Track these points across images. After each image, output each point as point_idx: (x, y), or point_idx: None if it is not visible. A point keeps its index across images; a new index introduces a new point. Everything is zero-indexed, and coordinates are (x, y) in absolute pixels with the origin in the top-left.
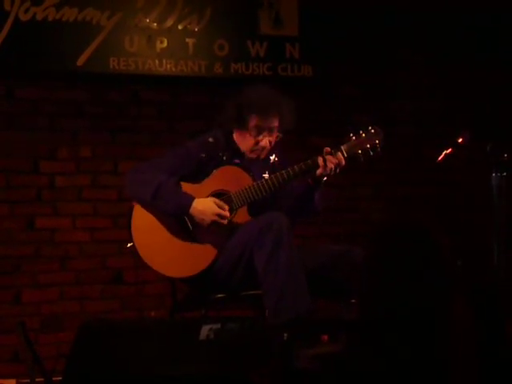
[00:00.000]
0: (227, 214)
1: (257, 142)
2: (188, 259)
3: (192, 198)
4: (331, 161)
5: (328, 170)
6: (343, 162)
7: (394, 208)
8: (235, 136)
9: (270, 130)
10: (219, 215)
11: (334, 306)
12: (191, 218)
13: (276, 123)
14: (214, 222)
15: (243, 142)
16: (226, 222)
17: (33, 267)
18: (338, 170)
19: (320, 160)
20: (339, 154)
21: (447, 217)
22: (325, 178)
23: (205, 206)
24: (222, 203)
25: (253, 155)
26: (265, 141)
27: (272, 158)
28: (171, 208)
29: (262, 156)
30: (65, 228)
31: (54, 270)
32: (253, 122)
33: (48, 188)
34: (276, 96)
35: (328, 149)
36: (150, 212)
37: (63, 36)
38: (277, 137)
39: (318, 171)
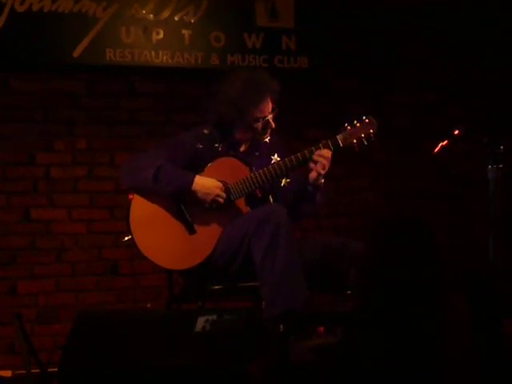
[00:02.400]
0: (224, 194)
1: (264, 127)
2: (187, 251)
3: (193, 175)
4: (322, 155)
5: (319, 167)
6: (329, 156)
7: (392, 201)
8: (236, 129)
9: (270, 113)
10: (221, 189)
11: (330, 298)
12: (193, 196)
13: (271, 104)
14: (216, 197)
15: (248, 133)
16: (222, 200)
17: (29, 259)
18: (326, 168)
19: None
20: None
21: (443, 209)
22: (322, 180)
23: (207, 181)
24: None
25: (263, 138)
26: (271, 123)
27: (274, 157)
28: (173, 187)
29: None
30: (61, 219)
31: (50, 262)
32: (252, 114)
33: (44, 180)
34: (263, 79)
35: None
36: (148, 203)
37: (59, 27)
38: (274, 112)
39: (311, 175)
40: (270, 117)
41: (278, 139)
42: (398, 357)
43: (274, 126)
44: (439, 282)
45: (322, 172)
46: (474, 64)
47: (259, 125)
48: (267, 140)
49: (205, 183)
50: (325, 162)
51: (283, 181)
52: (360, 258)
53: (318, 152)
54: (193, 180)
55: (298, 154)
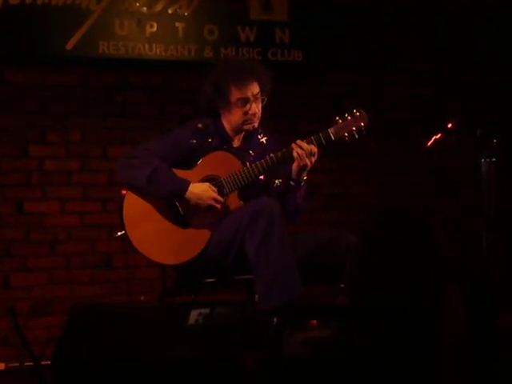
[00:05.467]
0: (221, 199)
1: (246, 112)
2: (181, 245)
3: (188, 182)
4: (302, 147)
5: (301, 162)
6: (315, 150)
7: (385, 193)
8: (223, 118)
9: (255, 98)
10: (215, 199)
11: (324, 291)
12: (186, 202)
13: (257, 89)
14: (209, 206)
15: (232, 118)
16: (220, 206)
17: (22, 251)
18: (312, 161)
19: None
20: (311, 145)
21: (436, 202)
22: (305, 177)
23: (201, 189)
24: (215, 189)
25: (248, 127)
26: (253, 108)
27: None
28: (167, 192)
29: (256, 125)
30: (54, 212)
31: (44, 255)
32: (234, 95)
33: (37, 172)
34: (248, 63)
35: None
36: (141, 199)
37: (52, 20)
38: (262, 101)
39: (294, 165)
40: (254, 101)
41: (274, 140)
42: (392, 351)
43: (258, 112)
44: (435, 275)
45: (302, 164)
46: (469, 58)
47: (241, 108)
48: (263, 140)
49: (198, 192)
50: (306, 160)
51: (276, 181)
52: (354, 251)
53: (298, 143)
54: (187, 188)
55: (290, 147)
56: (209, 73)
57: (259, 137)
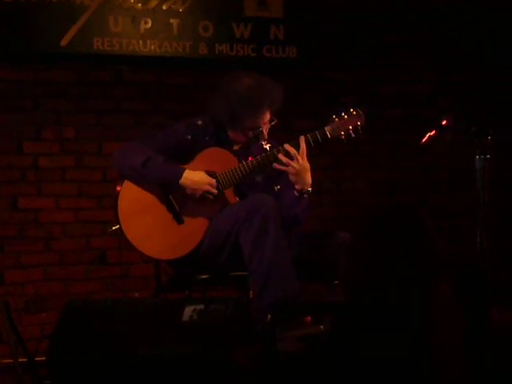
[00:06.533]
0: (216, 185)
1: (255, 136)
2: (175, 241)
3: (183, 169)
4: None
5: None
6: (304, 146)
7: (379, 190)
8: (229, 129)
9: (265, 124)
10: (211, 185)
11: (318, 288)
12: (181, 191)
13: (268, 116)
14: (205, 193)
15: (238, 137)
16: (215, 192)
17: (16, 248)
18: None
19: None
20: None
21: (430, 199)
22: (309, 189)
23: (197, 175)
24: (210, 177)
25: (253, 143)
26: (262, 134)
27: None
28: (162, 177)
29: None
30: (49, 208)
31: (38, 251)
32: (246, 124)
33: (32, 169)
34: (265, 87)
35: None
36: (136, 195)
37: (47, 16)
38: (271, 122)
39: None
40: (264, 127)
41: (276, 144)
42: (385, 347)
43: (266, 136)
44: (427, 270)
45: (293, 170)
46: (465, 56)
47: (251, 133)
48: (267, 147)
49: (194, 178)
50: (288, 167)
51: (275, 187)
52: (348, 247)
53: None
54: (182, 174)
55: (286, 144)
56: (226, 86)
57: (263, 143)
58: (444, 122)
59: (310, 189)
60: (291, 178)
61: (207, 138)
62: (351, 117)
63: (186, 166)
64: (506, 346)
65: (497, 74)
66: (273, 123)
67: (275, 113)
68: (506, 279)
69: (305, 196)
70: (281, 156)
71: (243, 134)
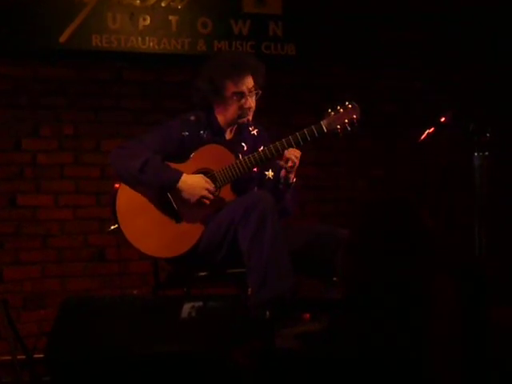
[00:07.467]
0: (214, 189)
1: (241, 106)
2: (174, 239)
3: (181, 173)
4: (291, 153)
5: (289, 164)
6: (298, 155)
7: (376, 187)
8: (217, 111)
9: (250, 92)
10: (208, 190)
11: (317, 285)
12: (179, 193)
13: (252, 82)
14: (202, 198)
15: (227, 112)
16: (213, 197)
17: (14, 245)
18: (294, 167)
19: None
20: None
21: (429, 196)
22: (294, 180)
23: (194, 180)
24: (208, 180)
25: (242, 120)
26: (248, 102)
27: (260, 150)
28: (159, 182)
29: (250, 118)
30: (47, 206)
31: (36, 248)
32: (229, 90)
33: (30, 166)
34: (242, 56)
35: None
36: (134, 192)
37: (45, 13)
38: (257, 94)
39: (282, 173)
40: (248, 95)
41: (264, 131)
42: (384, 344)
43: (253, 105)
44: (427, 267)
45: (290, 169)
46: (463, 53)
47: (237, 102)
48: (255, 132)
49: (192, 183)
50: (295, 160)
51: (268, 173)
52: (346, 243)
53: (290, 150)
54: (179, 178)
55: (283, 140)
56: (202, 67)
57: (250, 129)
58: (442, 119)
59: (294, 179)
60: (285, 174)
61: (201, 131)
62: (347, 110)
63: (182, 164)
64: (505, 345)
65: (495, 72)
66: (258, 95)
67: (259, 85)
68: (505, 276)
69: (292, 186)
70: (290, 155)
71: (230, 106)
